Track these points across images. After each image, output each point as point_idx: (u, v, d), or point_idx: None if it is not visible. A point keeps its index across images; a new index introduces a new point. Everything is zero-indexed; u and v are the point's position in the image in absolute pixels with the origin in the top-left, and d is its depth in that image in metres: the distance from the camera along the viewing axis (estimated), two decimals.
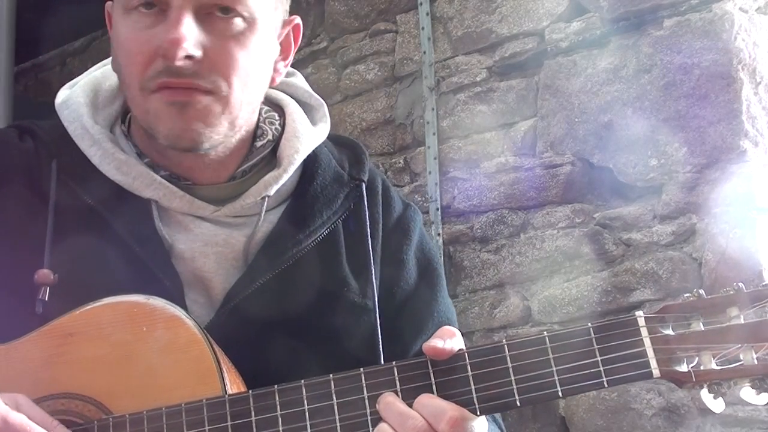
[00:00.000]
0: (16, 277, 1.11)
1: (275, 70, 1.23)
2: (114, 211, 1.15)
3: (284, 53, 1.24)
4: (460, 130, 3.29)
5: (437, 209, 3.28)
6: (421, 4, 3.42)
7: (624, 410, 2.73)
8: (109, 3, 1.20)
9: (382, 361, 1.19)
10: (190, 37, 1.08)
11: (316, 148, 1.28)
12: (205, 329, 1.08)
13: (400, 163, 3.47)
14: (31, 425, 0.94)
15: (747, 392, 0.95)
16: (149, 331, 1.02)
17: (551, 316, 2.95)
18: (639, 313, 0.98)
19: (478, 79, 3.26)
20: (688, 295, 0.99)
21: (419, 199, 3.38)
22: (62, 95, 1.26)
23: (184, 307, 1.10)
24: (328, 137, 1.32)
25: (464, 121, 3.28)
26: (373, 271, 1.23)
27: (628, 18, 2.86)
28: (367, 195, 1.27)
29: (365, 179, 1.28)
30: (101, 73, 1.27)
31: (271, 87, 1.26)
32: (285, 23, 1.23)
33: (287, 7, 1.23)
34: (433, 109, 3.35)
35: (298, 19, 1.26)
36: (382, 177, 1.34)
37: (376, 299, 1.22)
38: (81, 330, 1.04)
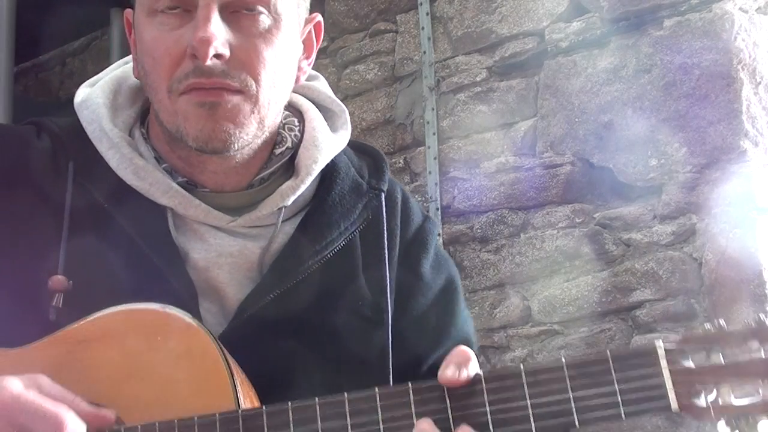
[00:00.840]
0: (28, 283, 1.09)
1: (299, 68, 1.21)
2: (129, 217, 1.13)
3: (307, 52, 1.23)
4: (460, 130, 3.29)
5: (437, 209, 3.28)
6: (421, 4, 3.42)
7: None
8: (128, 10, 1.19)
9: (391, 379, 1.17)
10: (219, 35, 1.07)
11: (336, 156, 1.25)
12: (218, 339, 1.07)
13: (400, 163, 3.47)
14: (45, 407, 0.92)
15: (765, 425, 0.93)
16: (164, 341, 1.01)
17: (551, 316, 2.95)
18: (659, 343, 0.96)
19: (478, 79, 3.26)
20: (708, 325, 0.97)
21: (419, 199, 3.38)
22: (82, 94, 1.23)
23: (198, 316, 1.08)
24: (348, 143, 1.29)
25: (464, 121, 3.28)
26: (388, 285, 1.21)
27: (628, 18, 2.86)
28: (385, 205, 1.25)
29: (384, 189, 1.25)
30: (122, 72, 1.25)
31: (294, 89, 1.24)
32: (307, 21, 1.21)
33: (308, 5, 1.22)
34: (433, 109, 3.35)
35: (319, 17, 1.24)
36: (402, 188, 1.32)
37: (390, 314, 1.20)
38: (94, 337, 1.02)
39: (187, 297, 1.10)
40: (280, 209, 1.18)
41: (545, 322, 2.97)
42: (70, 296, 1.08)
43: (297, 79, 1.21)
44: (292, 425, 0.95)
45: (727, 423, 0.94)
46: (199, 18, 1.07)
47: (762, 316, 0.95)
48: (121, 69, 1.26)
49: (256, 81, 1.10)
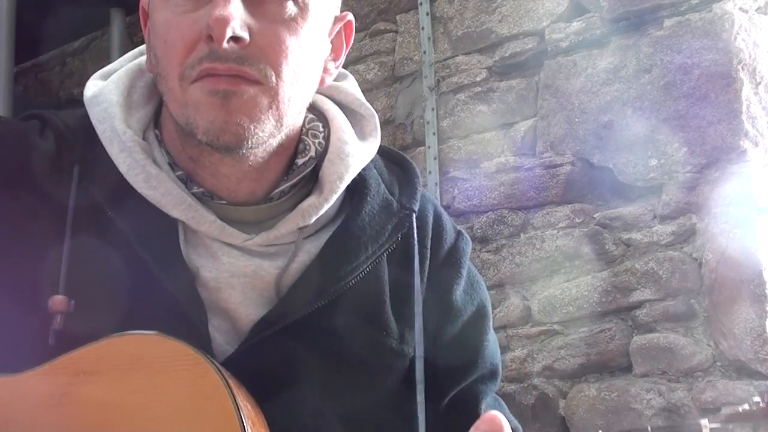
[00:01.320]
0: (27, 303, 1.00)
1: (325, 69, 1.12)
2: (137, 229, 1.03)
3: (335, 52, 1.15)
4: (460, 130, 3.29)
5: None
6: (421, 4, 3.42)
7: (624, 410, 2.73)
8: (144, 0, 1.10)
9: (421, 411, 1.09)
10: (238, 16, 0.97)
11: (365, 169, 1.14)
12: (227, 360, 1.01)
13: None
14: None
15: None
16: (168, 377, 0.93)
17: (551, 316, 2.95)
18: (704, 422, 0.92)
19: (478, 79, 3.26)
20: (757, 399, 0.94)
21: None
22: (93, 87, 1.12)
23: (206, 337, 1.02)
24: (378, 149, 1.19)
25: (464, 121, 3.28)
26: (416, 314, 1.12)
27: (628, 18, 2.86)
28: (416, 226, 1.14)
29: (416, 208, 1.15)
30: (137, 65, 1.13)
31: (318, 90, 1.14)
32: (337, 19, 1.13)
33: (339, 3, 1.13)
34: (433, 109, 3.35)
35: (350, 16, 1.15)
36: (434, 203, 1.21)
37: (417, 342, 1.11)
38: (95, 368, 0.94)
39: (196, 318, 1.02)
40: (300, 228, 1.08)
41: (545, 322, 2.97)
42: (72, 318, 0.99)
43: (322, 81, 1.12)
44: None
45: None
46: None
47: None
48: (137, 62, 1.14)
49: (277, 72, 1.00)
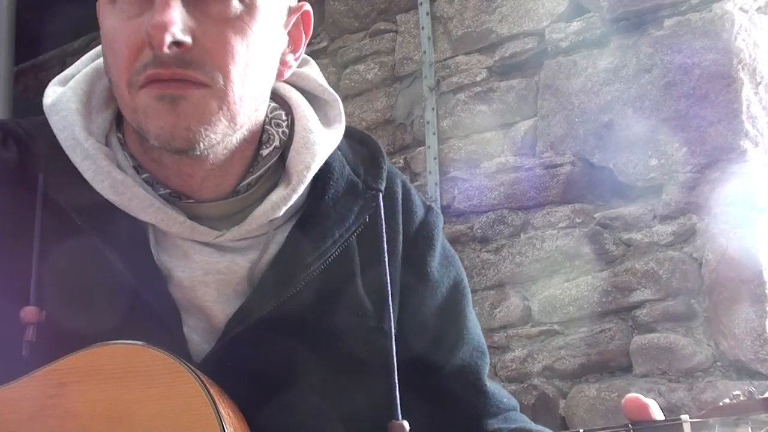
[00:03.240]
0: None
1: (283, 62, 1.10)
2: (106, 235, 1.02)
3: (294, 44, 1.12)
4: (460, 130, 3.29)
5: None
6: (421, 3, 3.42)
7: None
8: (100, 1, 1.06)
9: (397, 391, 1.08)
10: (178, 20, 0.95)
11: (330, 156, 1.14)
12: (205, 359, 1.01)
13: (400, 163, 3.47)
14: None
15: None
16: (149, 388, 0.92)
17: (551, 316, 2.95)
18: (685, 417, 0.94)
19: (478, 79, 3.26)
20: (737, 392, 0.94)
21: None
22: (52, 95, 1.10)
23: (182, 339, 1.01)
24: (346, 133, 1.18)
25: (464, 121, 3.28)
26: (390, 292, 1.11)
27: (628, 18, 2.86)
28: (384, 205, 1.14)
29: (382, 188, 1.14)
30: (96, 68, 1.12)
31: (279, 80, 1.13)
32: (292, 10, 1.10)
33: None
34: (433, 109, 3.35)
35: (307, 6, 1.12)
36: (402, 179, 1.21)
37: (393, 321, 1.11)
38: (74, 380, 0.92)
39: (169, 320, 1.02)
40: (271, 221, 1.08)
41: (545, 322, 2.97)
42: (44, 328, 0.97)
43: (281, 74, 1.10)
44: None
45: None
46: (158, 3, 0.95)
47: None
48: (94, 65, 1.13)
49: (224, 74, 0.98)
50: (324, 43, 3.77)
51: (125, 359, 0.93)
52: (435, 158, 3.31)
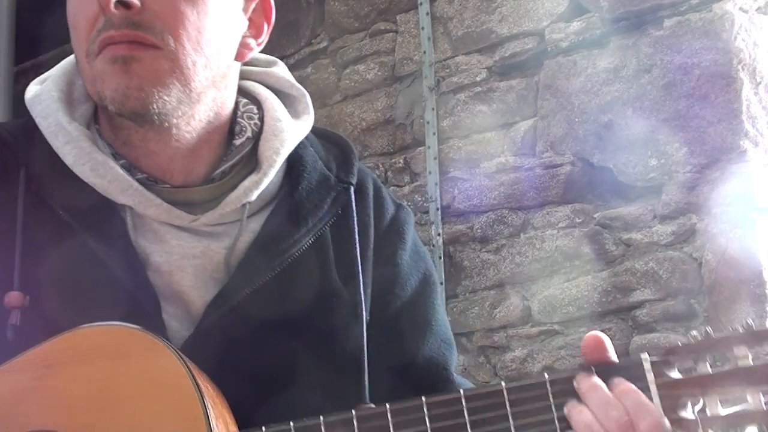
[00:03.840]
0: None
1: (245, 45, 1.14)
2: (87, 222, 1.06)
3: (255, 30, 1.16)
4: (460, 130, 3.29)
5: (437, 209, 3.28)
6: (421, 4, 3.42)
7: None
8: None
9: (366, 373, 1.12)
10: None
11: (301, 148, 1.19)
12: (184, 345, 1.03)
13: (400, 163, 3.47)
14: None
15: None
16: (130, 365, 0.95)
17: (551, 316, 2.95)
18: (644, 355, 0.95)
19: (478, 79, 3.26)
20: (695, 333, 0.96)
21: (419, 199, 3.38)
22: (32, 90, 1.15)
23: (161, 324, 1.04)
24: (314, 131, 1.23)
25: (464, 121, 3.28)
26: (361, 280, 1.15)
27: (628, 18, 2.86)
28: (356, 199, 1.19)
29: (354, 182, 1.19)
30: (72, 65, 1.16)
31: (250, 77, 1.21)
32: None
33: None
34: (433, 109, 3.35)
35: None
36: (373, 177, 1.26)
37: (365, 308, 1.14)
38: (59, 361, 0.96)
39: (149, 305, 1.04)
40: (244, 205, 1.11)
41: (545, 322, 2.97)
42: (28, 312, 1.01)
43: (242, 55, 1.14)
44: None
45: None
46: None
47: (749, 321, 0.93)
48: (71, 59, 1.17)
49: (175, 37, 1.02)
50: (324, 43, 3.77)
51: (105, 338, 0.96)
52: (435, 158, 3.31)
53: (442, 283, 3.17)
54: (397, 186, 3.48)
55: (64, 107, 1.11)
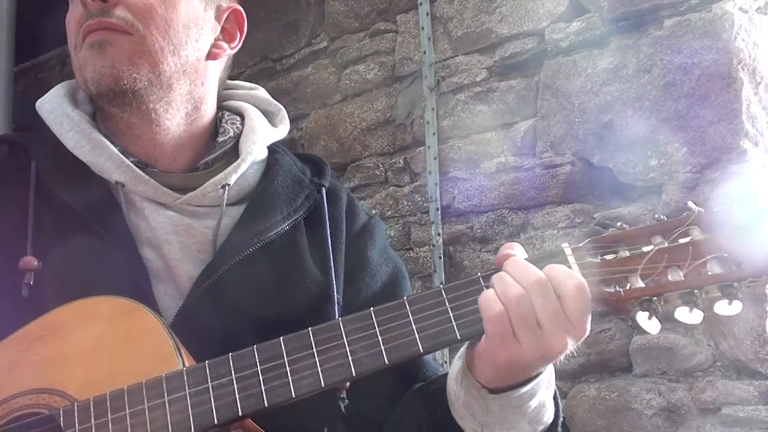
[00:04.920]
0: (1, 268, 1.16)
1: (218, 46, 1.32)
2: (87, 203, 1.21)
3: (228, 36, 1.34)
4: (460, 130, 3.29)
5: (437, 209, 3.28)
6: (421, 4, 3.43)
7: (624, 410, 2.73)
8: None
9: None
10: None
11: (279, 155, 1.38)
12: (174, 318, 1.16)
13: (400, 163, 3.47)
14: None
15: (681, 312, 0.99)
16: (109, 325, 1.07)
17: None
18: (565, 244, 1.05)
19: (478, 79, 3.26)
20: (613, 228, 1.05)
21: (419, 199, 3.38)
22: (40, 100, 1.33)
23: (152, 297, 1.16)
24: (294, 153, 1.43)
25: (464, 121, 3.28)
26: (332, 266, 1.29)
27: (628, 18, 2.86)
28: (328, 199, 1.35)
29: (326, 184, 1.37)
30: (76, 81, 1.35)
31: (234, 98, 1.40)
32: (224, 8, 1.34)
33: None
34: (433, 109, 3.35)
35: (238, 6, 1.37)
36: (348, 191, 1.43)
37: (335, 288, 1.27)
38: (46, 333, 1.09)
39: (140, 277, 1.17)
40: (223, 187, 1.26)
41: None
42: (40, 276, 1.16)
43: (214, 56, 1.31)
44: (233, 372, 1.03)
45: (642, 308, 0.99)
46: None
47: (662, 216, 1.03)
48: (74, 80, 1.34)
49: (144, 25, 1.21)
50: (324, 43, 3.77)
51: (87, 309, 1.09)
52: (435, 158, 3.31)
53: (442, 283, 3.16)
54: (397, 186, 3.48)
55: (69, 101, 1.30)
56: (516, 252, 1.05)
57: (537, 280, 0.98)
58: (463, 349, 1.09)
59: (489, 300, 0.99)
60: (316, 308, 1.26)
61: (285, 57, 3.87)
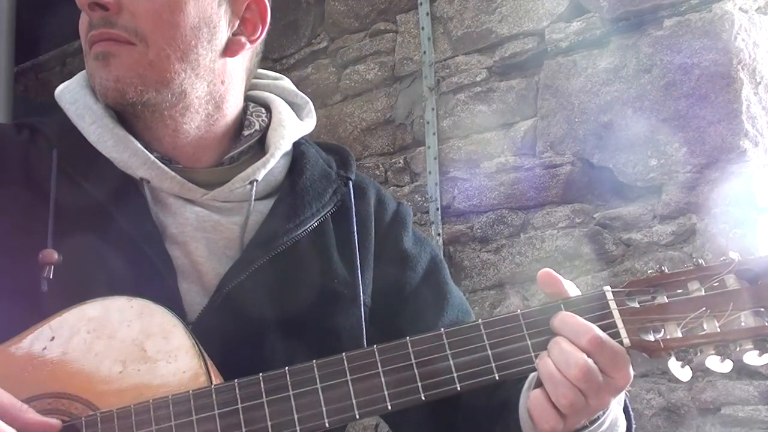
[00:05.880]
0: (20, 261, 1.12)
1: (237, 42, 1.24)
2: (110, 197, 1.17)
3: (250, 28, 1.26)
4: (460, 130, 3.29)
5: (437, 209, 3.28)
6: (421, 4, 3.42)
7: None
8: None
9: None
10: None
11: (304, 147, 1.32)
12: (198, 316, 1.12)
13: (400, 163, 3.47)
14: None
15: (712, 360, 1.01)
16: (132, 328, 1.04)
17: None
18: (606, 288, 1.03)
19: (478, 79, 3.26)
20: (651, 271, 1.05)
21: (419, 199, 3.38)
22: (60, 86, 1.28)
23: (177, 294, 1.13)
24: (317, 143, 1.37)
25: (464, 121, 3.28)
26: (359, 265, 1.25)
27: (628, 18, 2.86)
28: (354, 193, 1.30)
29: (352, 177, 1.31)
30: None
31: (259, 88, 1.33)
32: None
33: None
34: (433, 109, 3.35)
35: None
36: (375, 183, 1.38)
37: (362, 290, 1.24)
38: (67, 332, 1.05)
39: (166, 274, 1.13)
40: (251, 183, 1.22)
41: None
42: (60, 269, 1.11)
43: (234, 52, 1.24)
44: (264, 394, 0.99)
45: (677, 357, 1.01)
46: None
47: (700, 260, 1.03)
48: None
49: (148, 33, 1.15)
50: (324, 43, 3.77)
51: (112, 311, 1.05)
52: (435, 158, 3.31)
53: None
54: (397, 186, 3.48)
55: (91, 93, 1.23)
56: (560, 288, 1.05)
57: (584, 372, 0.97)
58: (531, 376, 1.07)
59: (541, 405, 0.99)
60: (343, 310, 1.22)
61: (285, 57, 3.87)
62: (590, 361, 0.97)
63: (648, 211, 2.78)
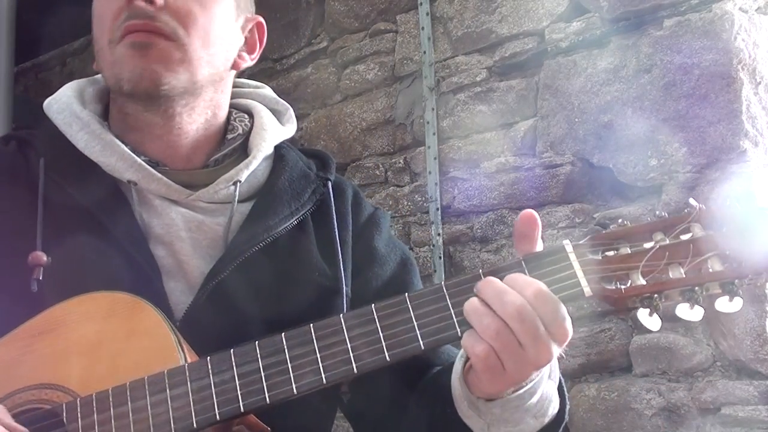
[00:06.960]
0: (10, 264, 1.16)
1: (241, 57, 1.34)
2: (97, 200, 1.21)
3: (249, 47, 1.37)
4: (460, 130, 3.29)
5: (437, 209, 3.28)
6: (421, 4, 3.43)
7: (624, 410, 2.73)
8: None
9: None
10: None
11: (284, 150, 1.39)
12: (185, 313, 1.17)
13: (400, 163, 3.47)
14: None
15: (682, 309, 1.00)
16: (112, 321, 1.08)
17: None
18: (566, 241, 1.04)
19: (478, 79, 3.26)
20: (614, 225, 1.04)
21: (419, 199, 3.38)
22: (48, 99, 1.33)
23: (162, 293, 1.17)
24: (299, 149, 1.44)
25: (464, 121, 3.28)
26: (341, 259, 1.30)
27: (628, 18, 2.86)
28: (334, 193, 1.36)
29: (331, 178, 1.38)
30: (84, 80, 1.38)
31: (242, 96, 1.41)
32: (248, 19, 1.36)
33: (252, 8, 1.39)
34: (433, 109, 3.35)
35: (261, 19, 1.39)
36: (353, 186, 1.44)
37: (344, 281, 1.28)
38: (49, 328, 1.10)
39: (151, 274, 1.18)
40: (235, 184, 1.27)
41: None
42: (49, 271, 1.16)
43: (237, 65, 1.34)
44: (235, 368, 1.03)
45: (643, 305, 0.99)
46: None
47: (664, 212, 1.03)
48: (79, 81, 1.38)
49: (187, 32, 1.22)
50: (324, 43, 3.77)
51: (90, 305, 1.10)
52: (435, 158, 3.32)
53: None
54: (397, 186, 3.48)
55: (78, 101, 1.30)
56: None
57: (515, 308, 0.97)
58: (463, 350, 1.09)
59: (472, 339, 0.99)
60: (326, 302, 1.26)
61: (285, 57, 3.87)
62: (528, 306, 0.97)
63: (648, 211, 2.78)
